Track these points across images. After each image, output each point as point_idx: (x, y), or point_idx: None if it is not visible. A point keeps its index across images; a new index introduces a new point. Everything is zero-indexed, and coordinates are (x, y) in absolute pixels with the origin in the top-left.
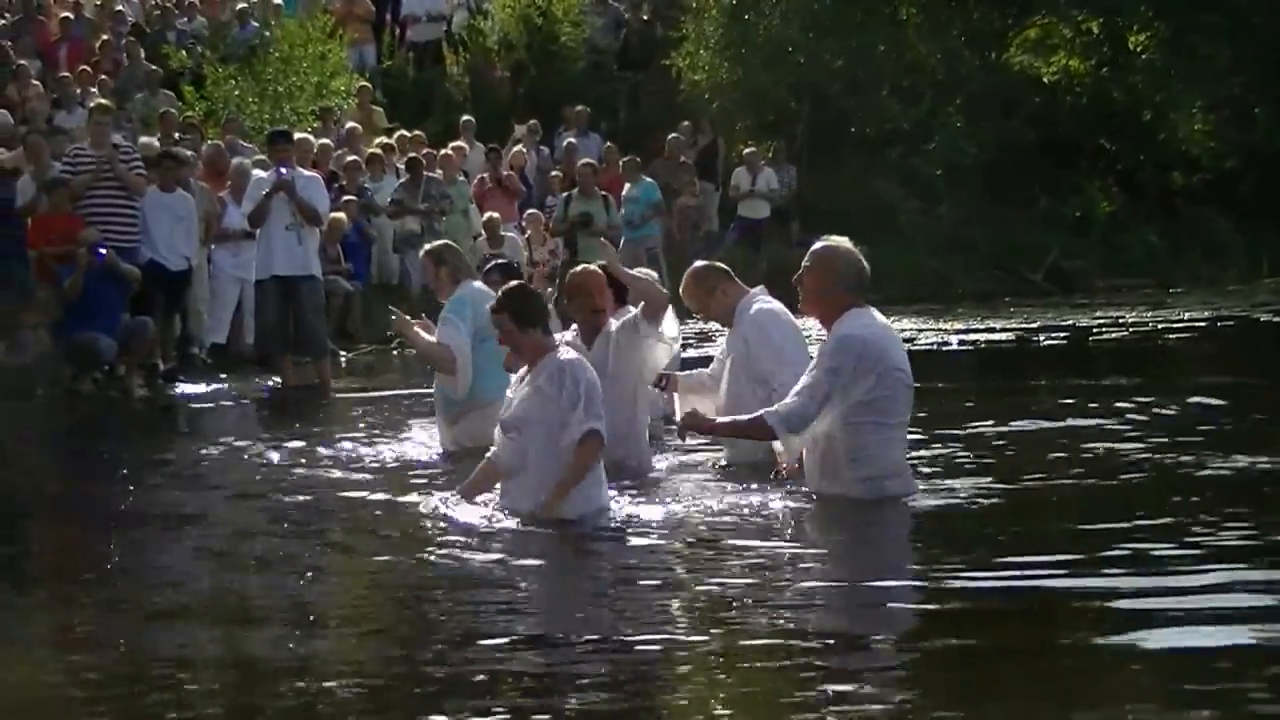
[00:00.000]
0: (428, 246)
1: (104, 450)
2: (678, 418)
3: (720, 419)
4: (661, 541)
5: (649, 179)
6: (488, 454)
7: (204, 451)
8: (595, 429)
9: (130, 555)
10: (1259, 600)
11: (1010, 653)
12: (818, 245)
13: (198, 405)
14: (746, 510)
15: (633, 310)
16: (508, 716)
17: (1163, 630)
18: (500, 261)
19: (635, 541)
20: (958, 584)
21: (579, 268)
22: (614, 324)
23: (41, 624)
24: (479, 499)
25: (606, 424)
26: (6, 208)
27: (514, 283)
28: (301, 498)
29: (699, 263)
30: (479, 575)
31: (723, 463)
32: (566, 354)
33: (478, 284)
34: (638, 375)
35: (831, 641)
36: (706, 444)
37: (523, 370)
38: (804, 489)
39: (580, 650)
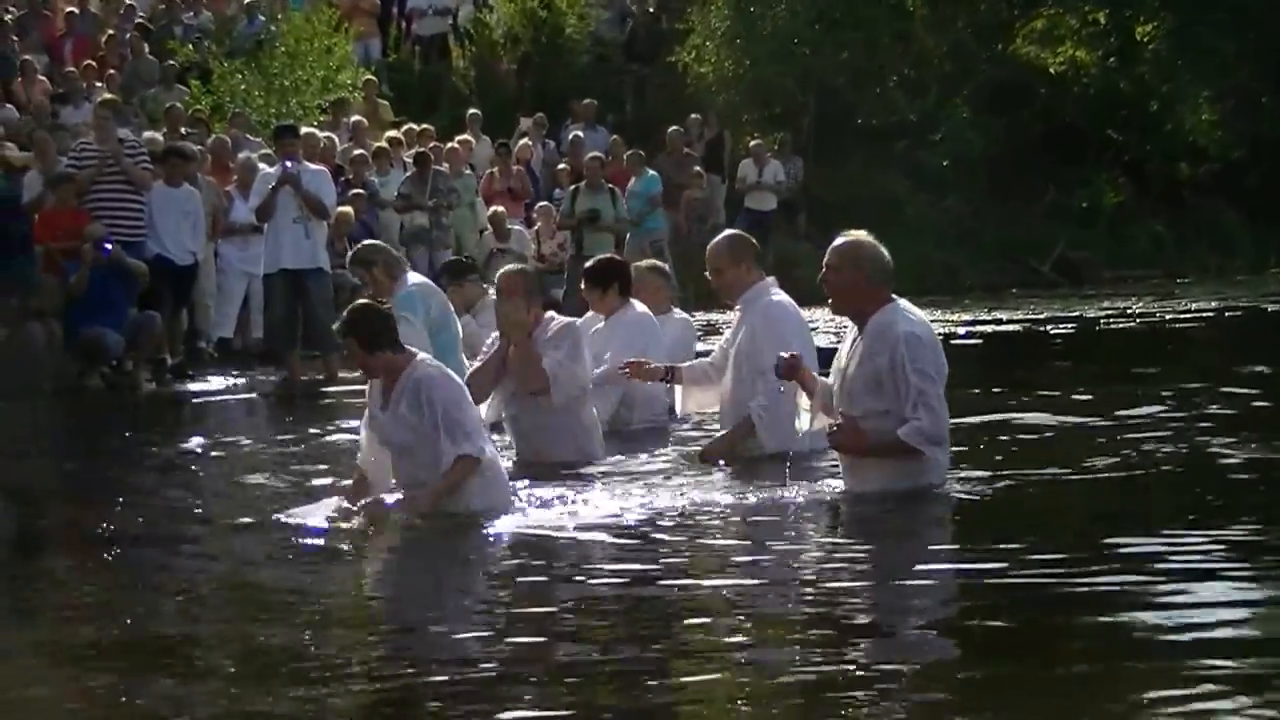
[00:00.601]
0: (351, 254)
1: (109, 447)
2: (678, 409)
3: (867, 436)
4: (678, 540)
5: (652, 172)
6: (358, 459)
7: (209, 448)
8: (464, 454)
9: (125, 559)
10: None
11: (1027, 662)
12: (840, 242)
13: (205, 400)
14: (764, 506)
15: (635, 304)
16: None
17: (1172, 632)
18: (450, 259)
19: (651, 542)
20: (973, 585)
21: (505, 269)
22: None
23: (40, 638)
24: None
25: (563, 421)
26: (13, 204)
27: (359, 303)
28: (304, 497)
29: (737, 232)
30: (489, 579)
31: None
32: (421, 370)
33: (416, 276)
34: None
35: (845, 648)
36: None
37: (380, 383)
38: (820, 482)
39: (593, 657)
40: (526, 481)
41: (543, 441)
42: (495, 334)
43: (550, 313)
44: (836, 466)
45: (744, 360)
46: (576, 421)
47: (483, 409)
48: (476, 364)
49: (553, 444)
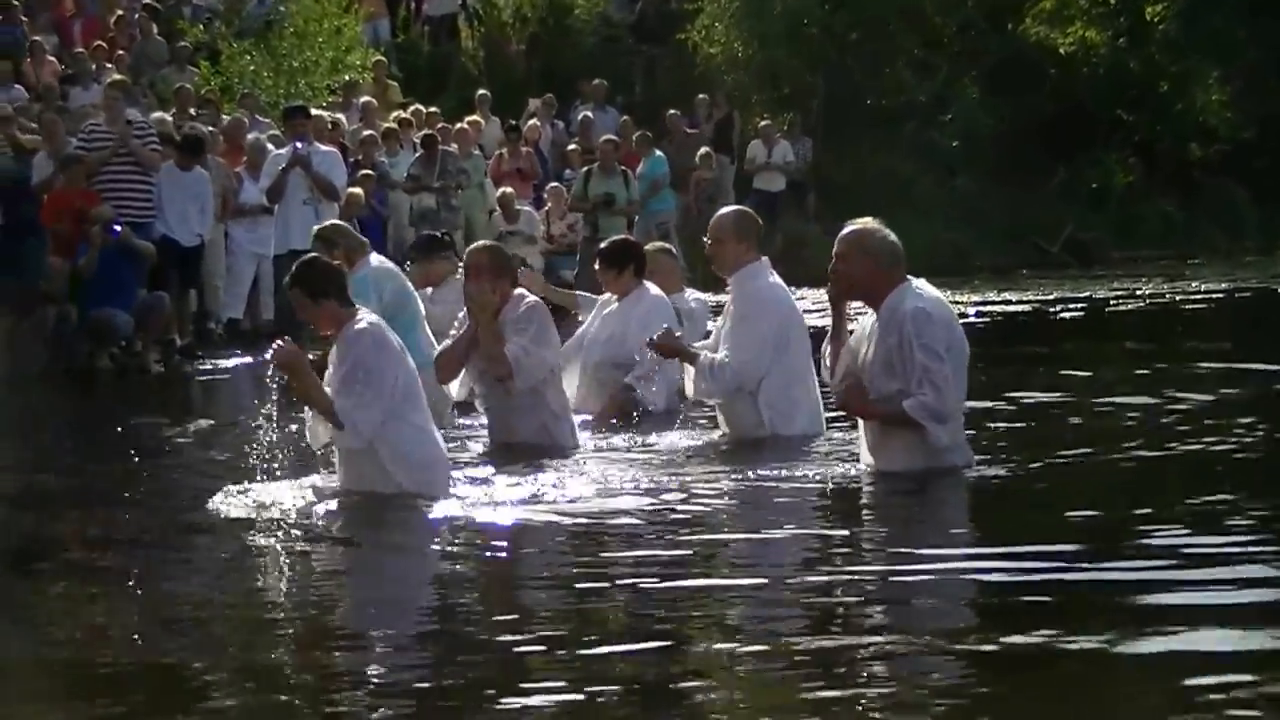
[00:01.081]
0: (315, 230)
1: (117, 430)
2: (689, 391)
3: (875, 402)
4: (672, 531)
5: (659, 153)
6: None
7: (213, 433)
8: (338, 406)
9: (131, 550)
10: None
11: (1043, 654)
12: (846, 231)
13: (214, 380)
14: (766, 492)
15: (649, 286)
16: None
17: (1195, 628)
18: (425, 234)
19: (670, 530)
20: (986, 577)
21: (472, 246)
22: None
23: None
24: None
25: (530, 402)
26: (23, 186)
27: (307, 256)
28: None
29: (745, 209)
30: (496, 570)
31: (721, 438)
32: (355, 326)
33: (374, 259)
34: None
35: (851, 641)
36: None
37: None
38: (826, 465)
39: (597, 651)
40: (492, 468)
41: (511, 421)
42: (464, 312)
43: (520, 290)
44: (833, 448)
45: (728, 338)
46: (543, 404)
47: (453, 387)
48: (446, 343)
49: (521, 423)
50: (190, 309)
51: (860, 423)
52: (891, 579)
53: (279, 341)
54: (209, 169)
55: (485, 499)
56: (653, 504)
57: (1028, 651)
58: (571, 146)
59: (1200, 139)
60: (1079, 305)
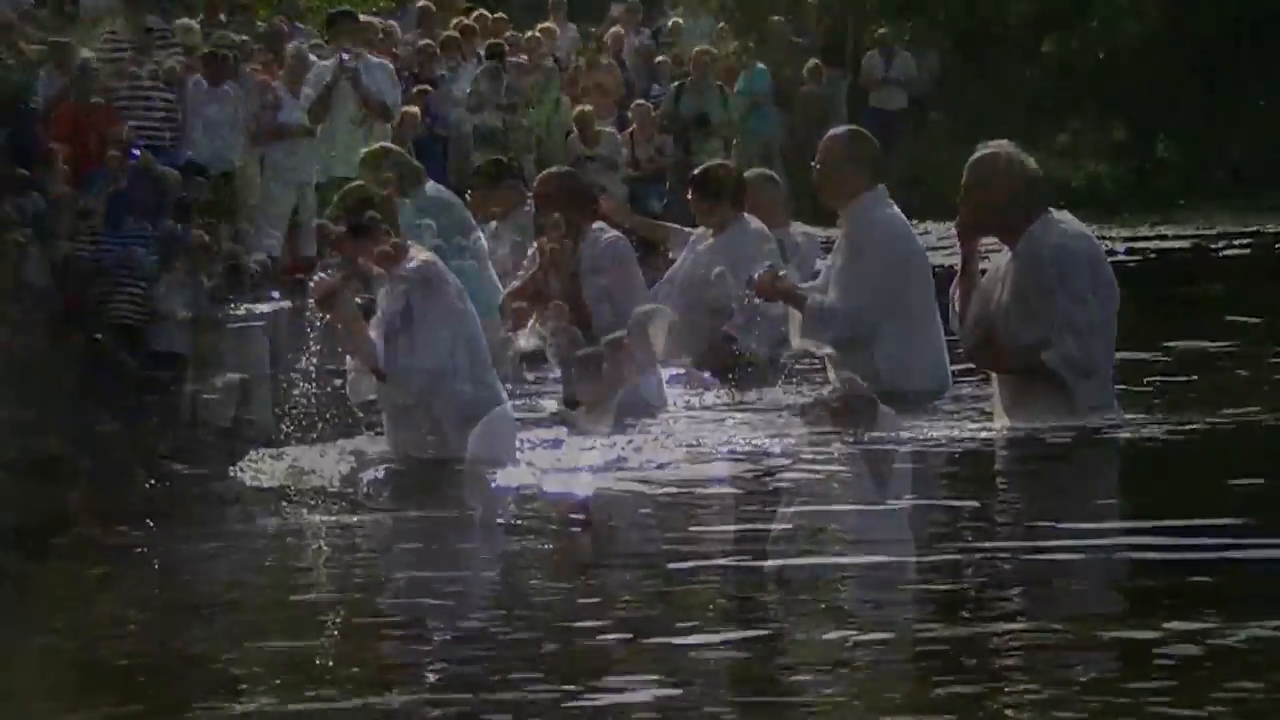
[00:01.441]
0: (363, 154)
1: (133, 386)
2: (794, 340)
3: (1010, 353)
4: (810, 501)
5: (761, 65)
6: None
7: (250, 385)
8: (382, 364)
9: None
10: None
11: (1206, 643)
12: (979, 154)
13: (247, 327)
14: (908, 452)
15: (749, 219)
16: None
17: None
18: (490, 158)
19: (772, 501)
20: (1139, 555)
21: (545, 172)
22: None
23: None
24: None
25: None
26: (28, 103)
27: (352, 184)
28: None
29: (861, 130)
30: (571, 548)
31: (831, 393)
32: (408, 263)
33: (432, 188)
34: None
35: (984, 629)
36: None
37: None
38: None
39: (690, 640)
40: (565, 430)
41: (588, 374)
42: (534, 249)
43: (599, 223)
44: (961, 406)
45: (837, 277)
46: (626, 355)
47: (521, 335)
48: (513, 284)
49: (599, 377)
50: (220, 245)
51: (993, 377)
52: (1030, 557)
53: (320, 273)
54: (242, 84)
55: (558, 465)
56: (752, 470)
57: (1188, 640)
58: (660, 58)
59: None
60: (1245, 241)
